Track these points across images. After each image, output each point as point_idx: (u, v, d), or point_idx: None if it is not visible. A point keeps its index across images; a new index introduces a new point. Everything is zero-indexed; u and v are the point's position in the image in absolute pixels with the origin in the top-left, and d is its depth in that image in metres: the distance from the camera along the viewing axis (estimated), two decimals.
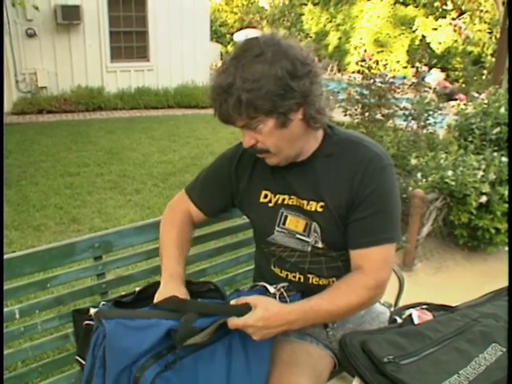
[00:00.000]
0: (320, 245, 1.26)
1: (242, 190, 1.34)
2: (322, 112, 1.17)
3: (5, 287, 1.23)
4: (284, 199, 1.28)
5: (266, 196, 1.30)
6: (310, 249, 1.27)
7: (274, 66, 1.06)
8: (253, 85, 1.05)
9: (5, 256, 1.23)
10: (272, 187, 1.29)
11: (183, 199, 1.42)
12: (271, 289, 1.22)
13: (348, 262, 1.25)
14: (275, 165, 1.24)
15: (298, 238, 1.27)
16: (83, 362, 1.18)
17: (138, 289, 1.24)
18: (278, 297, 1.20)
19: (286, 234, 1.28)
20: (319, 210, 1.23)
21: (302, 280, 1.30)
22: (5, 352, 1.27)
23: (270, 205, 1.29)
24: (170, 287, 1.18)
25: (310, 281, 1.30)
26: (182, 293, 1.17)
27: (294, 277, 1.31)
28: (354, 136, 1.28)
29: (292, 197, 1.27)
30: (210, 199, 1.39)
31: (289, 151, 1.20)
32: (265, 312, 1.08)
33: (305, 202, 1.25)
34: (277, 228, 1.28)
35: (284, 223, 1.27)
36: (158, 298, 1.16)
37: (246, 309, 1.08)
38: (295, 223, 1.26)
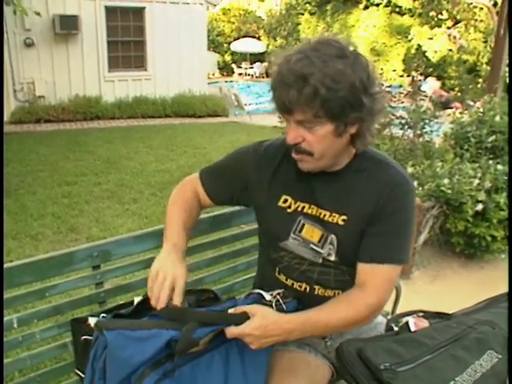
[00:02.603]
0: (333, 258, 1.25)
1: (260, 190, 1.30)
2: (372, 134, 1.18)
3: (3, 296, 1.24)
4: (304, 207, 1.25)
5: (285, 201, 1.27)
6: (320, 261, 1.26)
7: (354, 73, 1.05)
8: (332, 84, 1.02)
9: (4, 265, 1.24)
10: (294, 193, 1.27)
11: (195, 180, 1.42)
12: (267, 296, 1.22)
13: (355, 277, 1.24)
14: (307, 170, 1.21)
15: (312, 248, 1.26)
16: (82, 376, 1.18)
17: (136, 299, 1.24)
18: (274, 304, 1.20)
19: (300, 243, 1.26)
20: (341, 223, 1.22)
21: (307, 290, 1.29)
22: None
23: (289, 210, 1.26)
24: (171, 257, 1.16)
25: (316, 291, 1.29)
26: (180, 267, 1.14)
27: (300, 286, 1.30)
28: (382, 155, 1.29)
29: (312, 206, 1.25)
30: (218, 187, 1.37)
31: (329, 161, 1.18)
32: (262, 320, 1.08)
33: (327, 213, 1.23)
34: (292, 235, 1.26)
35: (300, 231, 1.26)
36: (156, 263, 1.14)
37: (244, 317, 1.08)
38: (311, 233, 1.25)
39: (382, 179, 1.22)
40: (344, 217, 1.22)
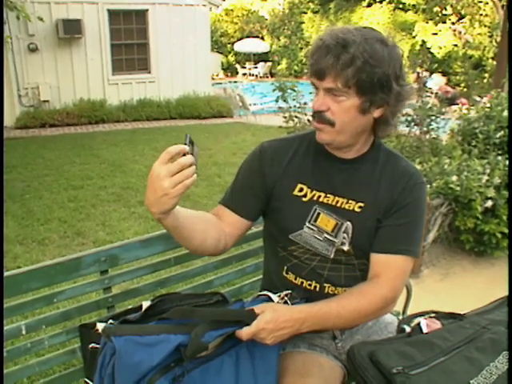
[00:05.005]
0: (346, 247, 1.24)
1: (275, 182, 1.28)
2: (395, 124, 1.24)
3: (11, 303, 1.23)
4: (320, 196, 1.25)
5: (301, 190, 1.26)
6: (332, 255, 1.25)
7: (390, 60, 1.11)
8: (369, 59, 1.08)
9: (11, 272, 1.23)
10: (309, 182, 1.27)
11: (218, 210, 1.31)
12: (275, 298, 1.20)
13: (366, 272, 1.25)
14: (325, 142, 1.22)
15: (325, 238, 1.25)
16: None
17: (144, 303, 1.23)
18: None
19: (315, 232, 1.25)
20: (357, 210, 1.24)
21: (317, 289, 1.28)
22: (11, 369, 1.27)
23: (304, 199, 1.26)
24: None
25: (326, 290, 1.28)
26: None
27: (310, 285, 1.29)
28: (395, 150, 1.34)
29: (328, 195, 1.25)
30: (244, 201, 1.29)
31: (346, 137, 1.19)
32: (274, 313, 1.08)
33: (344, 200, 1.24)
34: (307, 224, 1.25)
35: (316, 220, 1.25)
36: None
37: (253, 314, 1.07)
38: (326, 222, 1.24)
39: (398, 171, 1.26)
40: (361, 204, 1.24)
